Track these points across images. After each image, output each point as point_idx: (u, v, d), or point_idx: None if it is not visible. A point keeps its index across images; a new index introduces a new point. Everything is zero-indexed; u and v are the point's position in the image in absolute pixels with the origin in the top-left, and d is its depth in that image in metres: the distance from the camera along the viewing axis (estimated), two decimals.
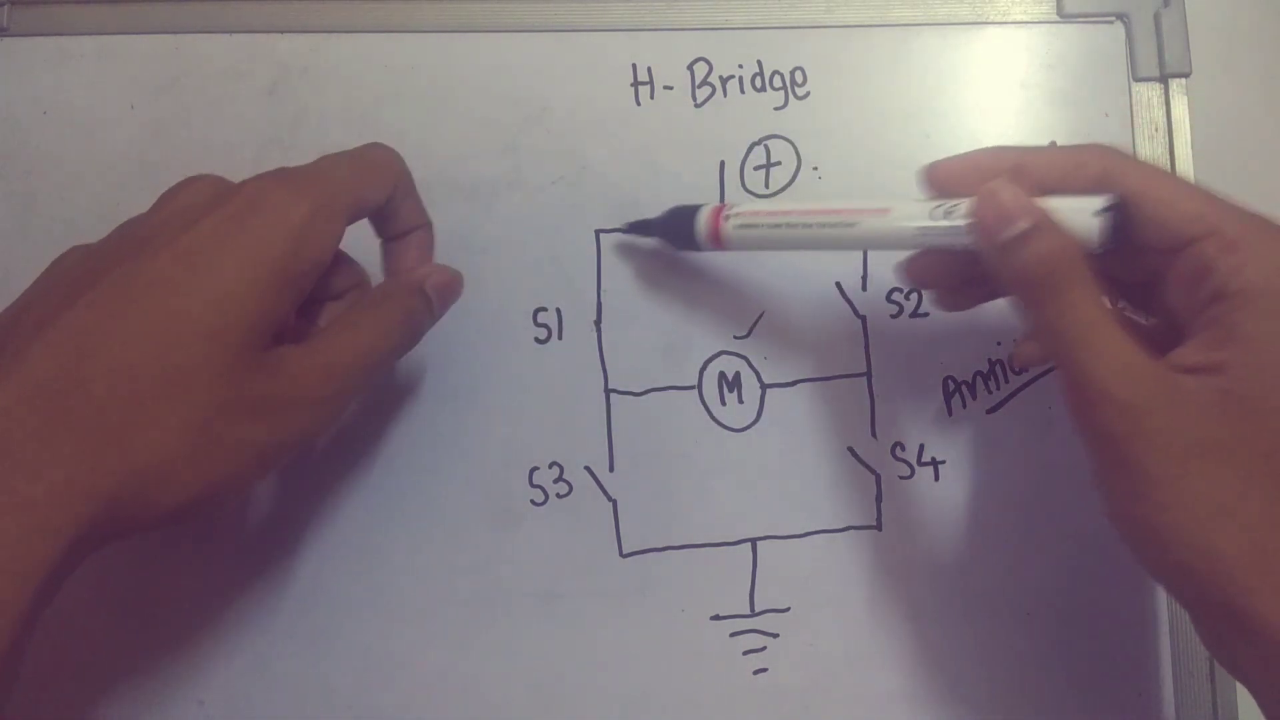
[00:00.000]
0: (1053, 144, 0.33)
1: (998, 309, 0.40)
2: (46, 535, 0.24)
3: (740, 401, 0.39)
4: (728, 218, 0.36)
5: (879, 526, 0.39)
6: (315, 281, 0.30)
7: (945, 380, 0.39)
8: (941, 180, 0.31)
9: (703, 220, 0.36)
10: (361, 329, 0.32)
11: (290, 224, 0.28)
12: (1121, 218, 0.28)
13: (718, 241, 0.36)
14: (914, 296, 0.40)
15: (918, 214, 0.31)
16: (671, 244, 0.39)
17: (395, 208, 0.34)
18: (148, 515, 0.26)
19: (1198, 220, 0.28)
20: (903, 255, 0.34)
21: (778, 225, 0.34)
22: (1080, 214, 0.28)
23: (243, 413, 0.28)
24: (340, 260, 0.34)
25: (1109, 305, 0.28)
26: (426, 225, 0.36)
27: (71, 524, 0.25)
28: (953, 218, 0.30)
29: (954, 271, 0.34)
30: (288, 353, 0.29)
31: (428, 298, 0.34)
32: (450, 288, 0.35)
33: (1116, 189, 0.29)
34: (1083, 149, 0.30)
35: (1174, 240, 0.28)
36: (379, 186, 0.33)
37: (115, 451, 0.26)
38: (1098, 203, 0.28)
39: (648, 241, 0.40)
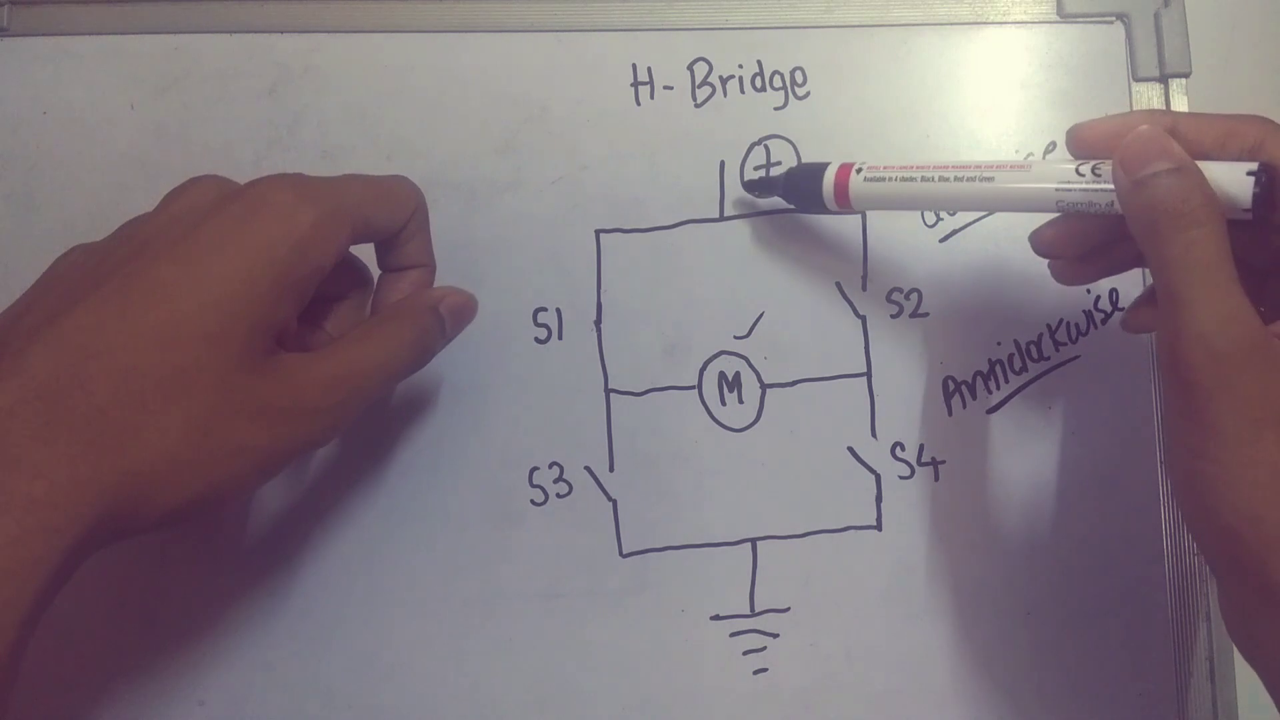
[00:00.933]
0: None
1: (998, 309, 0.40)
2: (48, 535, 0.24)
3: (740, 401, 0.39)
4: (859, 170, 0.35)
5: (879, 526, 0.39)
6: (316, 286, 0.30)
7: (945, 380, 0.39)
8: (1088, 141, 0.31)
9: (830, 177, 0.36)
10: (371, 343, 0.31)
11: (294, 229, 0.28)
12: (1269, 184, 0.28)
13: (845, 199, 0.35)
14: (914, 296, 0.40)
15: (1059, 172, 0.31)
16: (794, 204, 0.38)
17: (403, 241, 0.34)
18: (148, 516, 0.26)
19: None
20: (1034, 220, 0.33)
21: (910, 179, 0.33)
22: (1231, 173, 0.28)
23: (243, 417, 0.28)
24: (344, 260, 0.33)
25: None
26: (429, 266, 0.35)
27: (73, 524, 0.25)
28: (1096, 177, 0.30)
29: (1083, 240, 0.33)
30: (293, 360, 0.29)
31: (441, 318, 0.34)
32: (464, 310, 0.35)
33: (1269, 159, 0.29)
34: (1240, 118, 0.30)
35: None
36: (391, 213, 0.33)
37: (116, 452, 0.26)
38: (1248, 166, 0.28)
39: (646, 243, 0.40)
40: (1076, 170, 0.31)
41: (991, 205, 0.32)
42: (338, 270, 0.31)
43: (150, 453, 0.26)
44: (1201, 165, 0.29)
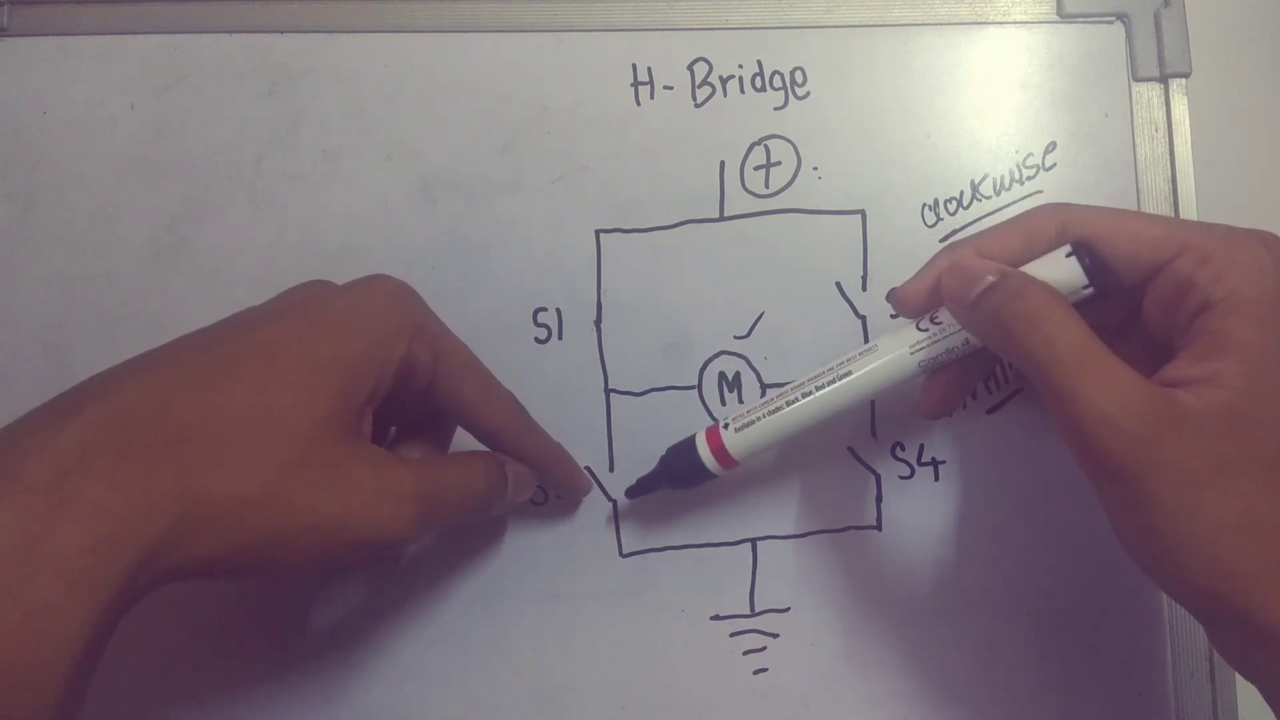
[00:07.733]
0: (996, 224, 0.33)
1: None
2: (116, 547, 0.24)
3: (740, 401, 0.39)
4: (726, 426, 0.35)
5: (879, 526, 0.39)
6: (394, 375, 0.30)
7: None
8: (910, 301, 0.32)
9: (703, 445, 0.35)
10: (453, 463, 0.33)
11: (392, 326, 0.30)
12: (1093, 256, 0.29)
13: (728, 459, 0.34)
14: None
15: (905, 337, 0.32)
16: (680, 486, 0.36)
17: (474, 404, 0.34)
18: (204, 550, 0.26)
19: (1166, 241, 0.28)
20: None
21: (776, 409, 0.34)
22: (1054, 263, 0.29)
23: (321, 474, 0.28)
24: (437, 403, 0.33)
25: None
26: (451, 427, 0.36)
27: (138, 538, 0.24)
28: (939, 325, 0.31)
29: (964, 384, 0.34)
30: (381, 449, 0.30)
31: (505, 476, 0.34)
32: (525, 482, 0.35)
33: (1076, 237, 0.29)
34: (1033, 214, 0.31)
35: (1147, 268, 0.29)
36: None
37: (188, 474, 0.25)
38: (1065, 249, 0.29)
39: (646, 243, 0.40)
40: (918, 327, 0.32)
41: (863, 396, 0.33)
42: (427, 410, 0.34)
43: (222, 483, 0.26)
44: (1026, 267, 0.29)
